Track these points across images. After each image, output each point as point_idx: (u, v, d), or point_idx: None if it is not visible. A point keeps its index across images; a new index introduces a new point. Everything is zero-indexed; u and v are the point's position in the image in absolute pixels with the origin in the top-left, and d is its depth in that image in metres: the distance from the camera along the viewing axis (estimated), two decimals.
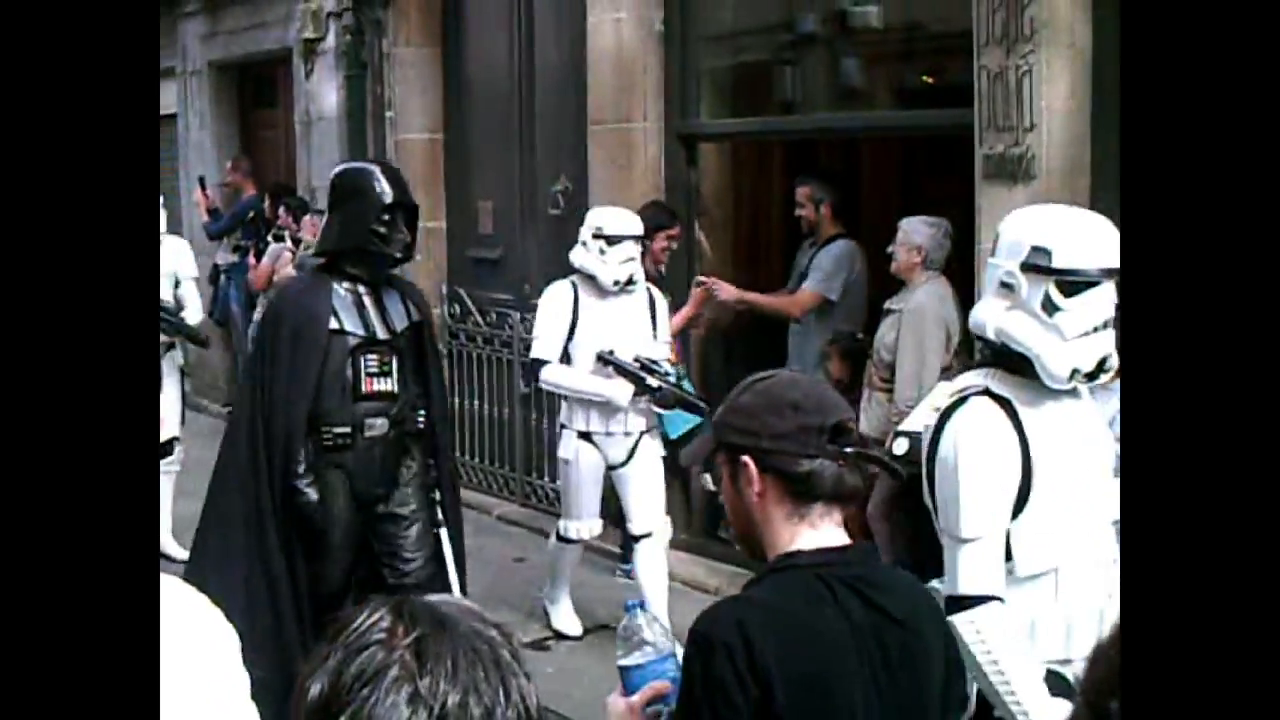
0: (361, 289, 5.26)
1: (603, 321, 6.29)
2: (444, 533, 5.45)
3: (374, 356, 5.21)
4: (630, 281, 6.25)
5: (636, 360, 6.17)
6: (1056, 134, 5.60)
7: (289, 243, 9.80)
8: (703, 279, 7.28)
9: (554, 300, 6.35)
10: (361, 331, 5.20)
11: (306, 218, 9.76)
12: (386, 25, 9.78)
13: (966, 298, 6.08)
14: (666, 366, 6.27)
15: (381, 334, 5.24)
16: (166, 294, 7.50)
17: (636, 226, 6.33)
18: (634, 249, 6.27)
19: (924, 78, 7.48)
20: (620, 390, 6.16)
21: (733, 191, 8.25)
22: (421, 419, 5.41)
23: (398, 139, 9.74)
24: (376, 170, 5.37)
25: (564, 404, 6.49)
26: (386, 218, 5.18)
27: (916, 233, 6.28)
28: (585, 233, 6.30)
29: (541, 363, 6.29)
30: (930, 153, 8.00)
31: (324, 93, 10.53)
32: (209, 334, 9.16)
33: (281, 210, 10.17)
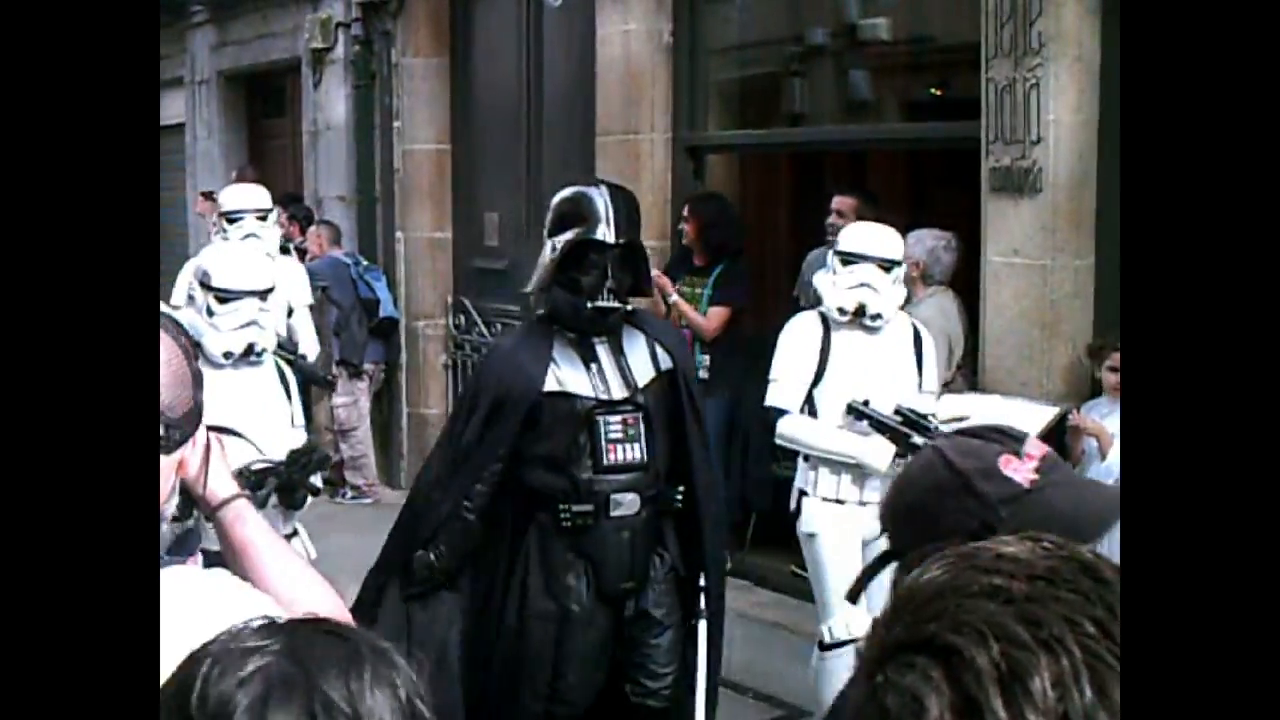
0: (594, 338, 4.38)
1: (858, 364, 5.18)
2: (702, 626, 4.47)
3: (616, 419, 4.32)
4: (860, 312, 5.15)
5: (898, 413, 5.00)
6: (1063, 147, 5.59)
7: (294, 255, 9.79)
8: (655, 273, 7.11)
9: (799, 336, 5.24)
10: (591, 393, 4.32)
11: (311, 229, 9.76)
12: (395, 36, 9.80)
13: (972, 309, 6.08)
14: (935, 421, 5.07)
15: (619, 393, 4.35)
16: (280, 325, 6.37)
17: (884, 247, 5.22)
18: (875, 274, 5.14)
19: (931, 90, 7.48)
20: (879, 452, 4.99)
21: (740, 203, 8.24)
22: (680, 495, 4.49)
23: (405, 149, 9.75)
24: (599, 198, 4.32)
25: (802, 464, 5.29)
26: (593, 257, 4.27)
27: (916, 247, 6.24)
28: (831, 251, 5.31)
29: (780, 412, 5.13)
30: (937, 165, 7.98)
31: (332, 103, 10.55)
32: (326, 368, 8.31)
33: (286, 220, 10.16)
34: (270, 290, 4.79)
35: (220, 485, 2.01)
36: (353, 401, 9.37)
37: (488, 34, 9.36)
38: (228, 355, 4.57)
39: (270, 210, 7.24)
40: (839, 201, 7.11)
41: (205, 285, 4.66)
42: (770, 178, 8.81)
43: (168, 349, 1.82)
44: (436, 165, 9.66)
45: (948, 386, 6.01)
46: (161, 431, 1.80)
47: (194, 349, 1.91)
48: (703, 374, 7.10)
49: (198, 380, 1.88)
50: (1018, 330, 5.80)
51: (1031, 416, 5.53)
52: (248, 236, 6.90)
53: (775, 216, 8.73)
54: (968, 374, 6.12)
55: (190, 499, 2.01)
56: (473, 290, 9.44)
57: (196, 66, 12.56)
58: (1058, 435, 5.44)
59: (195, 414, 1.88)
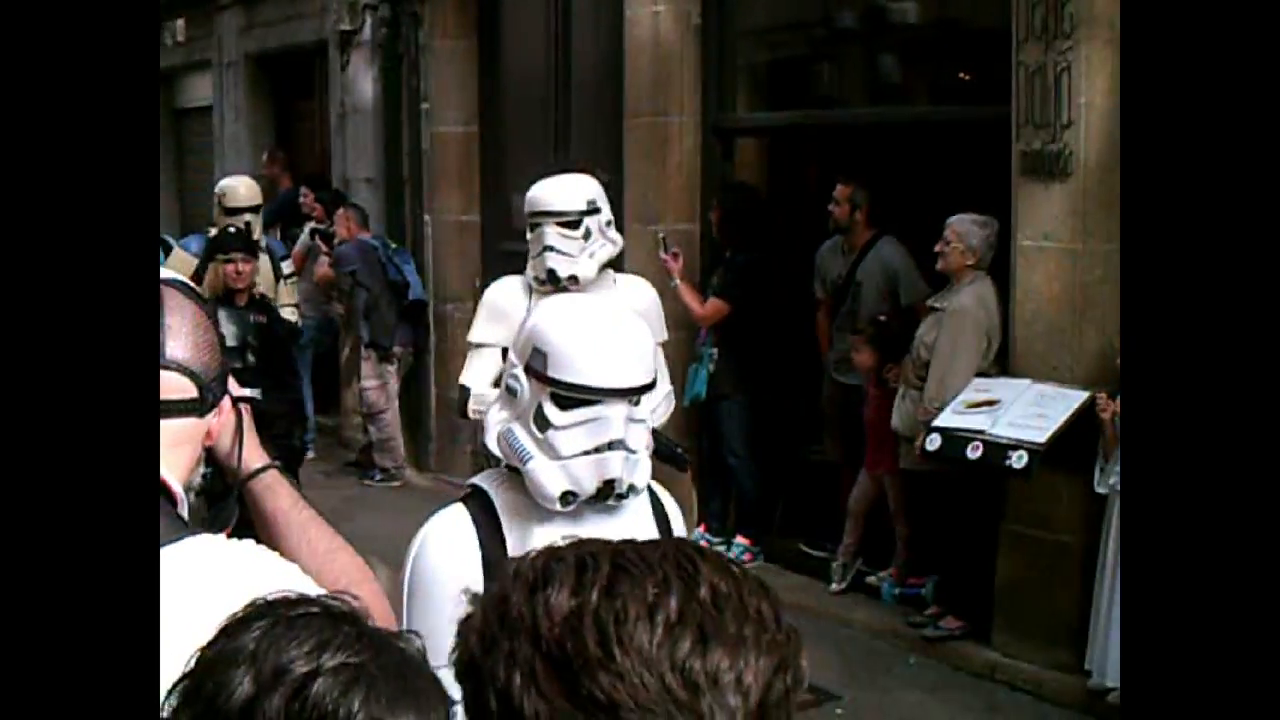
0: None
1: None
2: None
3: None
4: None
5: None
6: (1094, 130, 5.56)
7: (320, 243, 9.79)
8: (668, 251, 7.13)
9: None
10: None
11: (339, 211, 9.76)
12: (423, 17, 9.80)
13: (1002, 293, 6.06)
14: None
15: None
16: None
17: None
18: None
19: (961, 73, 7.44)
20: None
21: (768, 186, 8.23)
22: None
23: (433, 131, 9.75)
24: None
25: None
26: None
27: (970, 234, 6.14)
28: None
29: None
30: (967, 149, 7.96)
31: (360, 85, 10.55)
32: None
33: (312, 202, 10.18)
34: (650, 386, 2.63)
35: (251, 456, 2.03)
36: (381, 384, 9.40)
37: (515, 15, 9.35)
38: (568, 499, 2.60)
39: (591, 213, 4.68)
40: (838, 190, 7.09)
41: (537, 374, 2.60)
42: (798, 160, 8.77)
43: (193, 313, 1.84)
44: (464, 147, 9.66)
45: (981, 377, 5.99)
46: (197, 394, 1.82)
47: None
48: (710, 366, 7.17)
49: (222, 346, 1.90)
50: (1048, 314, 5.78)
51: (1061, 401, 5.53)
52: (545, 252, 4.70)
53: (803, 198, 8.70)
54: (1000, 366, 6.10)
55: (221, 471, 2.02)
56: (500, 273, 9.39)
57: (224, 49, 12.58)
58: (1088, 419, 5.43)
59: (224, 378, 1.90)
